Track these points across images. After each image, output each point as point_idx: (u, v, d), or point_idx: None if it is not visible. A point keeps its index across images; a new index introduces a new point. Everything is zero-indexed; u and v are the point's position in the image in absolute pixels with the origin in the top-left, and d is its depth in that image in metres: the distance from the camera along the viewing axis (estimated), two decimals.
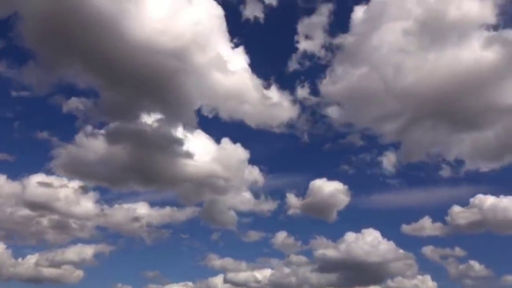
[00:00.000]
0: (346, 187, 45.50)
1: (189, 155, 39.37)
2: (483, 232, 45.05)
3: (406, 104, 39.80)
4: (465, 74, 36.92)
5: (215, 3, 38.89)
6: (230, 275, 45.45)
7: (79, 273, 44.84)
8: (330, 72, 44.21)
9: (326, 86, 43.65)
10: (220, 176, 41.91)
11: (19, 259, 44.65)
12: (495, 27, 38.11)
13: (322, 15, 44.99)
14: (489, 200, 43.44)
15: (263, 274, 45.73)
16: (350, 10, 42.47)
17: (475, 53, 37.08)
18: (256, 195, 45.97)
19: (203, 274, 50.68)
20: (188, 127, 39.89)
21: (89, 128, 42.51)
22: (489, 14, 37.77)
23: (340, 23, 44.12)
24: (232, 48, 41.32)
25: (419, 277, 44.02)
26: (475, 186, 46.34)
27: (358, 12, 41.85)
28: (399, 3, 39.87)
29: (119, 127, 40.21)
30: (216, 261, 47.13)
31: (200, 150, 40.94)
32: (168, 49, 34.51)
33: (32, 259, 44.79)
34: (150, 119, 38.80)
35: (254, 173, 45.28)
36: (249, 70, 41.75)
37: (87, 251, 44.98)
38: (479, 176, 45.57)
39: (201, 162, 40.76)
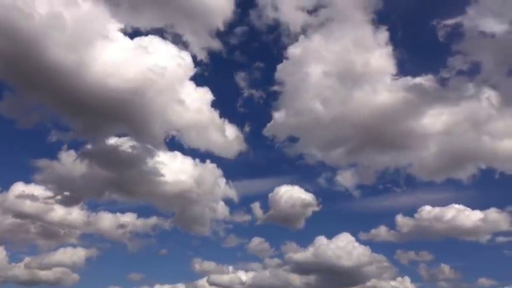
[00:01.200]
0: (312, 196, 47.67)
1: (158, 172, 41.86)
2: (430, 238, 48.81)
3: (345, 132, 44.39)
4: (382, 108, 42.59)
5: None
6: (213, 277, 46.66)
7: (69, 275, 45.90)
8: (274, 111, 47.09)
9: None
10: (194, 190, 44.62)
11: (12, 263, 45.73)
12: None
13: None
14: (434, 210, 47.71)
15: (246, 275, 47.08)
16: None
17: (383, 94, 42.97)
18: (229, 206, 47.99)
19: (187, 277, 53.15)
20: (157, 147, 42.59)
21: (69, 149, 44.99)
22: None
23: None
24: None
25: (399, 279, 46.43)
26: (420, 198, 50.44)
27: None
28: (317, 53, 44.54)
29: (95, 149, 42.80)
30: (198, 265, 48.72)
31: (174, 168, 43.77)
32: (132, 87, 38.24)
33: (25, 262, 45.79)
34: (121, 141, 42.07)
35: (226, 187, 47.50)
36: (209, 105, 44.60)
37: (77, 255, 46.41)
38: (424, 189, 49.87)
39: (174, 177, 43.22)
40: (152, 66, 37.82)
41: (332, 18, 45.20)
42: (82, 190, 44.01)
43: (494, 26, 43.72)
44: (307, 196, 46.95)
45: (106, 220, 47.10)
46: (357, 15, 44.96)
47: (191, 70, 43.21)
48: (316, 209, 46.77)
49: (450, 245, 49.31)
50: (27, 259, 46.61)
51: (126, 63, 37.57)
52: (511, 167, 45.16)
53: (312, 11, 45.78)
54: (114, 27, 38.87)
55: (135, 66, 37.62)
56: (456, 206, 47.17)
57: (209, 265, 48.27)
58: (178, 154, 44.60)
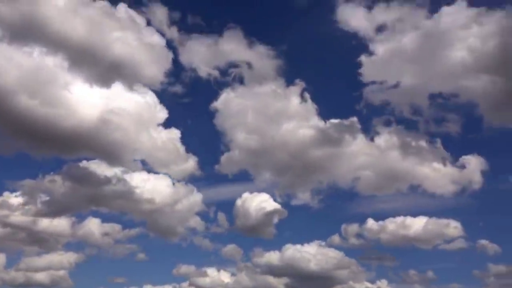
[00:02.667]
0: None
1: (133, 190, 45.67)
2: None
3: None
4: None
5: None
6: (195, 280, 49.33)
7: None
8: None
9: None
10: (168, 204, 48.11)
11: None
12: None
13: None
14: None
15: (226, 277, 49.47)
16: None
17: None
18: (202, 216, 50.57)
19: (168, 280, 54.20)
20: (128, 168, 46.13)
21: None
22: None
23: None
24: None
25: (378, 282, 48.24)
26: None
27: None
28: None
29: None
30: (178, 269, 50.96)
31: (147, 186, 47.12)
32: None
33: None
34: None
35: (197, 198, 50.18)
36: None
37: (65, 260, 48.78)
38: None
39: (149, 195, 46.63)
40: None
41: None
42: (65, 205, 47.25)
43: None
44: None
45: (91, 228, 49.46)
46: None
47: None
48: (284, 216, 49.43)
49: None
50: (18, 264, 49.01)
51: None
52: None
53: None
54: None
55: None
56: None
57: (189, 268, 51.01)
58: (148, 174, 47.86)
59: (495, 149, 50.28)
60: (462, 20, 43.51)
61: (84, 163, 46.00)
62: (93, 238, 49.04)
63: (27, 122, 39.64)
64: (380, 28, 47.79)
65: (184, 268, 50.62)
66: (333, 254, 48.70)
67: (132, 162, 45.48)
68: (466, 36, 43.16)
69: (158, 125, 45.65)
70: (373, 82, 47.82)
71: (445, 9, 44.77)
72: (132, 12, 43.81)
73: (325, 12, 51.04)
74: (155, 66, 45.34)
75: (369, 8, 48.44)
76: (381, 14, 47.80)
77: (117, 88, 42.98)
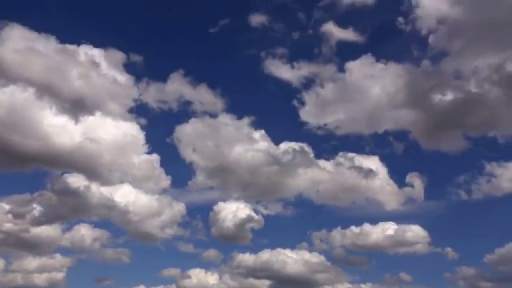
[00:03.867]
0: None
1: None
2: None
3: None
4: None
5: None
6: (181, 282, 52.30)
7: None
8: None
9: None
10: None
11: None
12: None
13: None
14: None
15: (212, 279, 52.18)
16: None
17: None
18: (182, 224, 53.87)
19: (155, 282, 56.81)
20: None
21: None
22: None
23: None
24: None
25: (363, 285, 51.36)
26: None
27: None
28: None
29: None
30: (163, 272, 54.01)
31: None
32: None
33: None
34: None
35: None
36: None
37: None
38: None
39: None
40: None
41: None
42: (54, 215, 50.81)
43: None
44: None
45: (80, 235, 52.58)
46: None
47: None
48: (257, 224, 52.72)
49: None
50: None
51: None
52: None
53: None
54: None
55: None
56: None
57: (174, 271, 53.80)
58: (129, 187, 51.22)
59: (431, 168, 54.94)
60: (370, 71, 50.36)
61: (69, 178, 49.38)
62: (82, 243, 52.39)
63: None
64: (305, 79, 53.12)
65: (170, 271, 53.78)
66: (309, 258, 51.90)
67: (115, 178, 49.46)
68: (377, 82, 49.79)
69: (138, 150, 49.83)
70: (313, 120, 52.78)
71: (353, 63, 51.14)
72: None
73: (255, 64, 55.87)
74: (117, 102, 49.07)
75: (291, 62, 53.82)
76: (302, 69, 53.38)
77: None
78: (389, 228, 51.63)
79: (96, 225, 52.74)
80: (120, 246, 54.00)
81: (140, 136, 49.98)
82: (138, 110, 51.78)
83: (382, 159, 52.43)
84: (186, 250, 54.45)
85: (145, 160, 50.19)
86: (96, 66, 46.83)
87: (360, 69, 51.00)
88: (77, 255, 53.55)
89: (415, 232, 51.31)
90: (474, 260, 53.13)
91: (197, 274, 52.73)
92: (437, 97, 47.11)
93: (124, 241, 54.31)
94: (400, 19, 52.14)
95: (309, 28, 55.27)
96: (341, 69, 52.27)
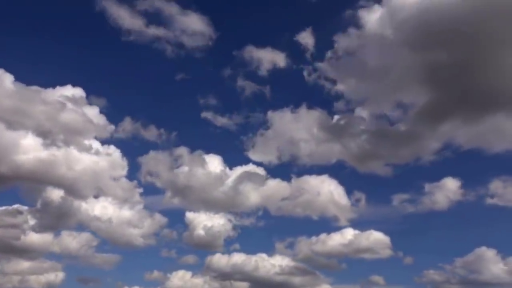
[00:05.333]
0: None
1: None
2: None
3: None
4: None
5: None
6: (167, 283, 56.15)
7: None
8: None
9: None
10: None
11: None
12: None
13: None
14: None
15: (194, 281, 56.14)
16: None
17: None
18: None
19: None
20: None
21: None
22: None
23: None
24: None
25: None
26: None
27: None
28: None
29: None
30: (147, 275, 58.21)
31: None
32: None
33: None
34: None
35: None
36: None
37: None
38: None
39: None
40: None
41: None
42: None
43: None
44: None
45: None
46: None
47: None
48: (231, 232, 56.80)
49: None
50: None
51: None
52: None
53: None
54: None
55: None
56: None
57: (158, 274, 57.63)
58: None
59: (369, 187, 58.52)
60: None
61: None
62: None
63: None
64: None
65: (153, 274, 57.43)
66: (282, 262, 54.95)
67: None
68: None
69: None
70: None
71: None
72: None
73: None
74: None
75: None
76: None
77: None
78: (349, 235, 54.88)
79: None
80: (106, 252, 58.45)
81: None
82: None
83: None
84: (167, 255, 58.78)
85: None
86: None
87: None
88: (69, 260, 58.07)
89: (376, 237, 54.36)
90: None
91: (179, 277, 56.61)
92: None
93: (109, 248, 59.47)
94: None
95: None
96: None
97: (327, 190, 55.66)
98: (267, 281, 55.13)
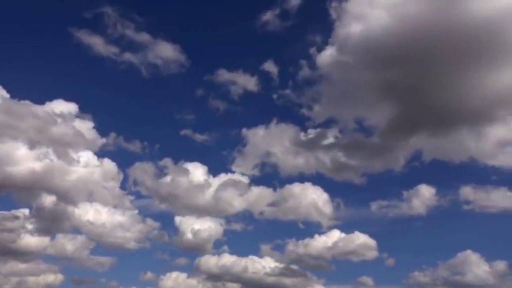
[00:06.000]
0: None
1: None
2: None
3: None
4: None
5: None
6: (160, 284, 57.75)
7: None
8: None
9: None
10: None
11: None
12: None
13: None
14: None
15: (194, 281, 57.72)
16: None
17: None
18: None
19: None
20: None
21: None
22: None
23: None
24: None
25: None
26: None
27: None
28: None
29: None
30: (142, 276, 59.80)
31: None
32: None
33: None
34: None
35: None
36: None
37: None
38: None
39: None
40: None
41: None
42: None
43: None
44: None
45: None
46: None
47: None
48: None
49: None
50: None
51: None
52: None
53: None
54: None
55: None
56: None
57: (151, 275, 59.24)
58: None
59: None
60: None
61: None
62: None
63: None
64: None
65: (147, 275, 58.98)
66: (271, 264, 56.16)
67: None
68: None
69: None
70: None
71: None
72: None
73: None
74: None
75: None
76: None
77: None
78: (335, 237, 56.28)
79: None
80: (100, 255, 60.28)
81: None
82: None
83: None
84: (159, 258, 60.80)
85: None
86: None
87: None
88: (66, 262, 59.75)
89: (362, 240, 55.57)
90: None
91: (173, 278, 57.99)
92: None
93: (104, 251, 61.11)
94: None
95: None
96: None
97: (310, 197, 57.41)
98: (258, 282, 56.46)
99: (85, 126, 56.91)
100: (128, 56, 63.69)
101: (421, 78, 43.78)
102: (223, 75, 63.22)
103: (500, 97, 43.33)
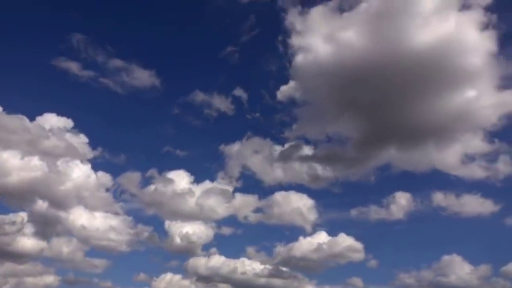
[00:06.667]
0: None
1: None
2: None
3: None
4: None
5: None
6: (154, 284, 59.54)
7: None
8: None
9: None
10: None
11: None
12: None
13: None
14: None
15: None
16: None
17: None
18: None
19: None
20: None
21: None
22: None
23: None
24: None
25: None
26: None
27: None
28: None
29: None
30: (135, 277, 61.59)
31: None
32: None
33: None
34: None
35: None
36: None
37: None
38: None
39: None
40: None
41: None
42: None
43: None
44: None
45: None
46: None
47: None
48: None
49: None
50: None
51: None
52: None
53: None
54: None
55: None
56: None
57: (144, 276, 61.02)
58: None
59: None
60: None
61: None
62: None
63: None
64: None
65: (141, 276, 60.56)
66: (261, 266, 57.71)
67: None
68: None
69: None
70: None
71: None
72: None
73: None
74: None
75: None
76: None
77: None
78: (322, 240, 57.67)
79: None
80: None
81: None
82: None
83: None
84: (153, 260, 63.43)
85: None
86: None
87: None
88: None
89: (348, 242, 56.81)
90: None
91: (167, 280, 59.39)
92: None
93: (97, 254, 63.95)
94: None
95: None
96: None
97: (294, 203, 59.43)
98: (248, 283, 58.07)
99: (78, 140, 59.64)
100: (104, 79, 66.08)
101: (384, 97, 47.33)
102: (197, 95, 65.83)
103: (455, 115, 47.69)
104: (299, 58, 52.64)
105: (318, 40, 49.82)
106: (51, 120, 58.15)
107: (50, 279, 59.17)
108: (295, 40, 53.58)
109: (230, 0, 66.82)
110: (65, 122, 59.19)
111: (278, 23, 60.78)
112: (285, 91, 58.91)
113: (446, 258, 54.82)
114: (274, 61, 64.57)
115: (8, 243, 56.67)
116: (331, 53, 48.42)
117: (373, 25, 45.20)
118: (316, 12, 51.68)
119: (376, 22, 44.95)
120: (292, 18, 55.16)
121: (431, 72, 44.11)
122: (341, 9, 50.16)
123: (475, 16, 45.83)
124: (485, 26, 45.84)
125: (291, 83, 57.68)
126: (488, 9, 46.32)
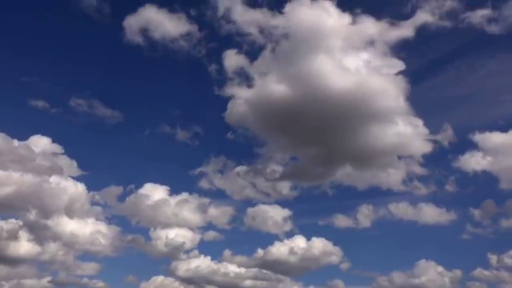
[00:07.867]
0: None
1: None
2: None
3: None
4: None
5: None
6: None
7: None
8: None
9: None
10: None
11: None
12: None
13: None
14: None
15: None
16: None
17: None
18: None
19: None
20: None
21: None
22: None
23: None
24: None
25: None
26: None
27: None
28: None
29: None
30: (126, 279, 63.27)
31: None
32: None
33: None
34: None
35: None
36: None
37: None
38: None
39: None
40: None
41: None
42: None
43: None
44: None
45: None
46: None
47: None
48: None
49: None
50: None
51: None
52: None
53: None
54: None
55: None
56: None
57: (133, 278, 62.11)
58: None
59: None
60: None
61: None
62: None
63: None
64: None
65: (131, 278, 62.17)
66: (243, 269, 60.03)
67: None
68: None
69: None
70: None
71: None
72: None
73: None
74: None
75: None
76: None
77: None
78: (300, 242, 60.26)
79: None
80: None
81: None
82: None
83: None
84: (140, 263, 65.93)
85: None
86: None
87: None
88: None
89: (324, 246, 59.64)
90: None
91: (154, 282, 61.27)
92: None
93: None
94: None
95: None
96: None
97: (268, 213, 62.81)
98: (233, 285, 60.33)
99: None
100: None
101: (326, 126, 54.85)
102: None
103: (390, 146, 55.06)
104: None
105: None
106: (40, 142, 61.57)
107: (42, 282, 60.95)
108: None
109: None
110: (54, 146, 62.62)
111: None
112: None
113: (418, 263, 57.68)
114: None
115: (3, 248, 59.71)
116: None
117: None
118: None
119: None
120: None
121: (351, 112, 52.35)
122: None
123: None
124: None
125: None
126: None
